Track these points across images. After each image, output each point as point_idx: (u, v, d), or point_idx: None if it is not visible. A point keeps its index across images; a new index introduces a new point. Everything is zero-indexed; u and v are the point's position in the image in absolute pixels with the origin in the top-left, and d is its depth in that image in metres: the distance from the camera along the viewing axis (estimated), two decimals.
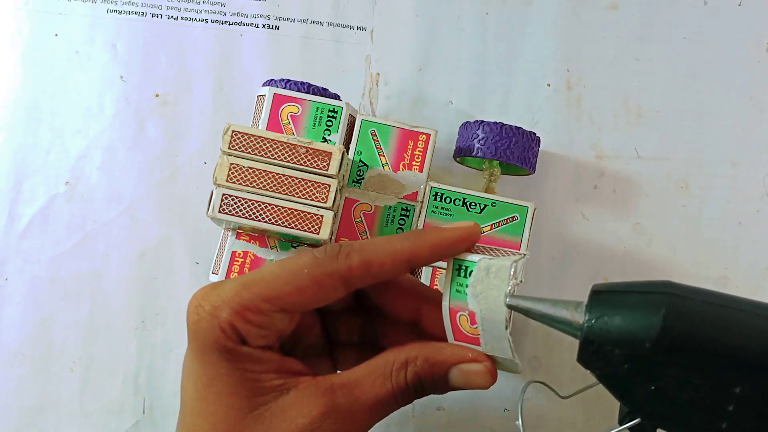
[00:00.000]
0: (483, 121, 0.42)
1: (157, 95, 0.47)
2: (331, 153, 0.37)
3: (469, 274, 0.30)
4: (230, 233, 0.39)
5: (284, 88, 0.40)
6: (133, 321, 0.45)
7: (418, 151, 0.40)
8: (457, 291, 0.31)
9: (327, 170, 0.37)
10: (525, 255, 0.32)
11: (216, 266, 0.40)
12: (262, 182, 0.37)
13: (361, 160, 0.40)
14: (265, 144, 0.37)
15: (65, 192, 0.46)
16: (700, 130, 0.48)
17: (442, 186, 0.40)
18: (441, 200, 0.40)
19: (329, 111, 0.40)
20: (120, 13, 0.48)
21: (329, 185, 0.37)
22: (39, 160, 0.46)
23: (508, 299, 0.29)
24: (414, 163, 0.40)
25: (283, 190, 0.36)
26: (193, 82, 0.47)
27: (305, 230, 0.36)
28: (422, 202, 0.40)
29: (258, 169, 0.37)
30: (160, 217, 0.46)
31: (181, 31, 0.48)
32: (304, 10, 0.49)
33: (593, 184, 0.47)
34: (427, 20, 0.49)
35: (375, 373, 0.30)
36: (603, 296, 0.28)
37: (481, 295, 0.30)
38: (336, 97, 0.41)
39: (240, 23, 0.48)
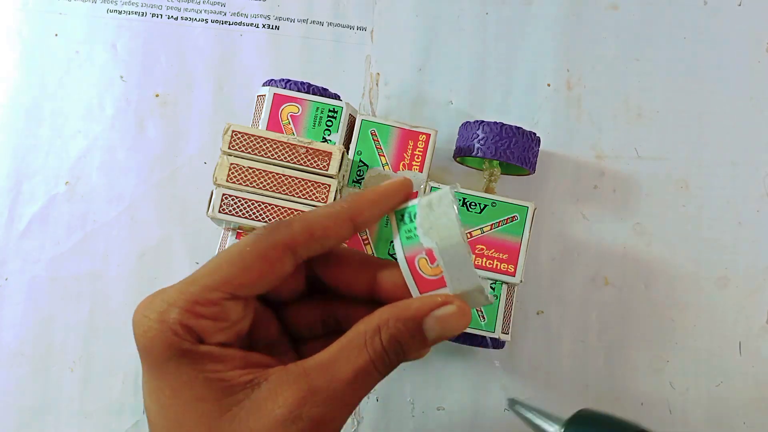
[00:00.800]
0: (483, 121, 0.42)
1: (157, 95, 0.47)
2: (331, 153, 0.37)
3: (414, 218, 0.30)
4: (230, 233, 0.39)
5: (284, 88, 0.40)
6: None
7: (418, 151, 0.40)
8: (408, 237, 0.29)
9: (327, 170, 0.37)
10: (456, 184, 0.32)
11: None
12: (262, 182, 0.36)
13: (361, 160, 0.40)
14: (265, 144, 0.37)
15: (65, 192, 0.46)
16: (700, 130, 0.48)
17: (442, 186, 0.39)
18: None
19: (329, 111, 0.40)
20: (120, 13, 0.48)
21: (329, 185, 0.37)
22: (39, 160, 0.46)
23: (514, 405, 0.31)
24: (414, 163, 0.40)
25: (283, 190, 0.36)
26: (193, 82, 0.47)
27: None
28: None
29: (258, 169, 0.36)
30: (160, 217, 0.46)
31: (181, 31, 0.48)
32: (304, 10, 0.49)
33: (593, 184, 0.47)
34: (427, 20, 0.49)
35: (349, 347, 0.28)
36: (578, 425, 0.32)
37: (433, 227, 0.29)
38: (336, 97, 0.41)
39: (240, 23, 0.48)
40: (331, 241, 0.29)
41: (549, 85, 0.48)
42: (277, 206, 0.36)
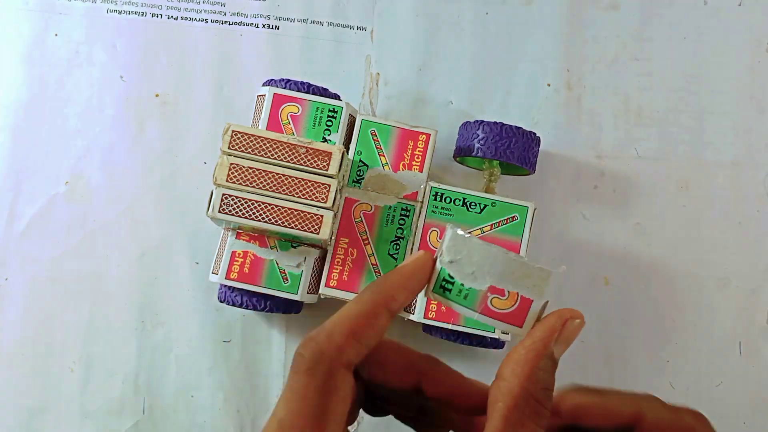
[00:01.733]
0: (483, 121, 0.42)
1: (157, 95, 0.47)
2: (330, 153, 0.37)
3: (452, 277, 0.29)
4: (230, 233, 0.39)
5: (284, 88, 0.40)
6: (133, 321, 0.45)
7: (418, 151, 0.40)
8: (465, 297, 0.28)
9: (327, 170, 0.36)
10: (451, 224, 0.31)
11: (216, 266, 0.40)
12: (262, 182, 0.36)
13: (361, 160, 0.40)
14: (265, 144, 0.36)
15: (65, 192, 0.46)
16: (700, 130, 0.48)
17: (442, 186, 0.40)
18: (441, 200, 0.39)
19: (329, 111, 0.40)
20: (120, 13, 0.48)
21: (329, 185, 0.36)
22: (39, 159, 0.46)
23: None
24: (414, 163, 0.40)
25: (283, 190, 0.36)
26: (193, 82, 0.47)
27: (305, 230, 0.36)
28: (422, 202, 0.39)
29: (258, 169, 0.36)
30: (160, 217, 0.46)
31: (181, 31, 0.48)
32: (304, 10, 0.48)
33: (593, 184, 0.47)
34: (427, 20, 0.49)
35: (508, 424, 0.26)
36: None
37: (475, 269, 0.28)
38: (336, 97, 0.41)
39: (240, 23, 0.48)
40: (376, 338, 0.27)
41: (549, 85, 0.48)
42: (277, 206, 0.36)
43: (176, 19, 0.48)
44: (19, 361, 0.44)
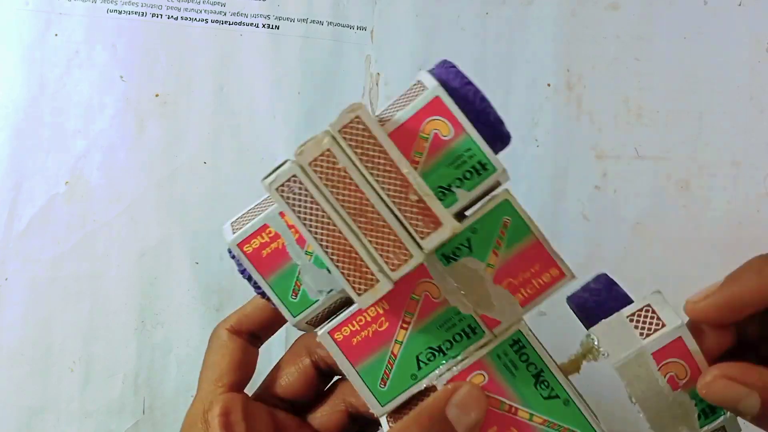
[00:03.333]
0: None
1: (157, 95, 0.47)
2: (440, 226, 0.27)
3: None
4: (275, 204, 0.31)
5: (453, 95, 0.29)
6: (133, 321, 0.45)
7: (538, 282, 0.30)
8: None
9: (421, 240, 0.27)
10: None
11: (238, 222, 0.32)
12: (343, 195, 0.27)
13: (468, 241, 0.30)
14: (378, 156, 0.27)
15: (65, 192, 0.46)
16: (700, 130, 0.48)
17: (530, 338, 0.30)
18: (516, 352, 0.30)
19: (478, 164, 0.29)
20: (120, 13, 0.48)
21: (410, 259, 0.27)
22: (39, 160, 0.46)
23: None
24: (523, 290, 0.30)
25: (359, 222, 0.28)
26: (193, 82, 0.47)
27: (349, 280, 0.27)
28: (496, 338, 0.30)
29: (349, 178, 0.27)
30: (160, 217, 0.46)
31: (181, 31, 0.48)
32: (304, 10, 0.48)
33: (594, 184, 0.47)
34: (427, 20, 0.49)
35: None
36: None
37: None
38: (505, 138, 0.30)
39: (240, 23, 0.48)
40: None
41: (549, 85, 0.48)
42: (338, 232, 0.27)
43: (176, 19, 0.48)
44: (19, 361, 0.44)
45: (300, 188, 0.28)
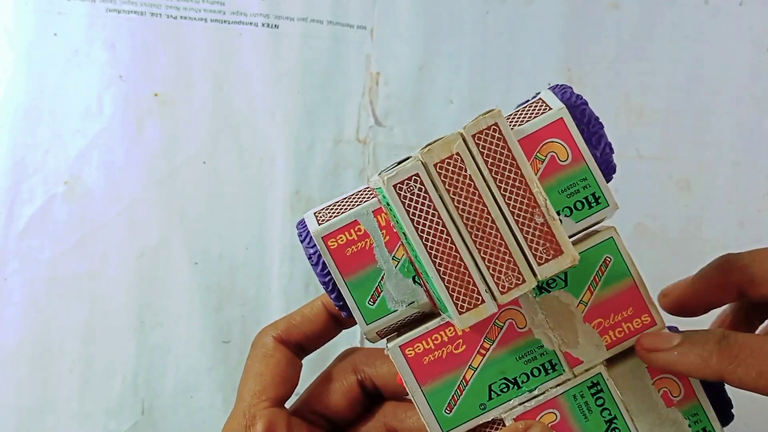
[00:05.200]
0: None
1: (156, 94, 0.47)
2: (561, 254, 0.25)
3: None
4: (369, 197, 0.29)
5: (576, 120, 0.28)
6: (133, 321, 0.45)
7: (629, 326, 0.29)
8: None
9: (537, 266, 0.25)
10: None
11: (324, 214, 0.30)
12: (463, 204, 0.25)
13: (566, 273, 0.28)
14: (510, 171, 0.25)
15: (64, 192, 0.46)
16: (701, 129, 0.48)
17: (612, 385, 0.28)
18: (593, 395, 0.28)
19: (592, 195, 0.28)
20: (119, 12, 0.48)
21: (522, 283, 0.25)
22: (38, 159, 0.46)
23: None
24: (611, 333, 0.28)
25: (476, 236, 0.25)
26: (192, 81, 0.47)
27: (453, 295, 0.25)
28: (575, 377, 0.28)
29: (475, 187, 0.25)
30: (159, 217, 0.46)
31: (181, 30, 0.48)
32: (304, 9, 0.48)
33: None
34: (427, 19, 0.48)
35: None
36: None
37: None
38: (613, 169, 0.29)
39: (239, 22, 0.48)
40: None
41: (550, 84, 0.48)
42: (451, 242, 0.25)
43: (175, 18, 0.48)
44: (19, 362, 0.44)
45: (420, 189, 0.25)
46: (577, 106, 0.28)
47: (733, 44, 0.49)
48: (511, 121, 0.28)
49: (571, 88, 0.29)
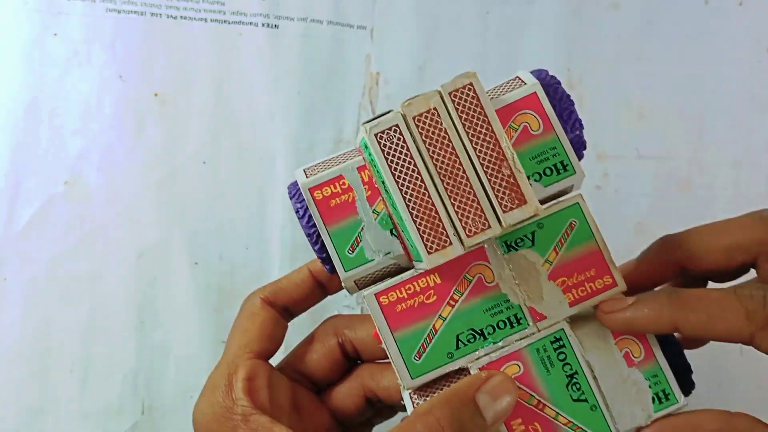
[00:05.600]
0: None
1: (156, 95, 0.47)
2: (525, 203, 0.27)
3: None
4: (355, 156, 0.32)
5: (549, 96, 0.30)
6: (132, 321, 0.45)
7: (591, 286, 0.30)
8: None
9: (502, 213, 0.27)
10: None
11: (313, 169, 0.32)
12: (438, 154, 0.28)
13: (532, 234, 0.30)
14: (481, 126, 0.28)
15: (64, 192, 0.46)
16: (701, 130, 0.48)
17: (572, 339, 0.30)
18: (556, 350, 0.30)
19: (560, 163, 0.30)
20: (119, 12, 0.48)
21: (488, 228, 0.27)
22: (38, 159, 0.46)
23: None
24: (575, 291, 0.30)
25: (448, 184, 0.28)
26: (192, 81, 0.47)
27: (423, 236, 0.27)
28: (539, 332, 0.30)
29: (449, 139, 0.28)
30: (159, 217, 0.46)
31: (180, 30, 0.48)
32: (304, 9, 0.48)
33: (595, 184, 0.47)
34: (427, 19, 0.48)
35: None
36: None
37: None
38: (583, 145, 0.31)
39: (239, 22, 0.48)
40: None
41: None
42: (424, 188, 0.28)
43: (175, 18, 0.48)
44: (19, 362, 0.44)
45: (399, 138, 0.28)
46: (551, 84, 0.30)
47: (733, 44, 0.49)
48: (490, 93, 0.31)
49: (546, 71, 0.31)
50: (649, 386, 0.29)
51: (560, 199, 0.31)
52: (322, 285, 0.35)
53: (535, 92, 0.30)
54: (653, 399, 0.29)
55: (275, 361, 0.35)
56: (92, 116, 0.47)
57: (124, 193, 0.46)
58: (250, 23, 0.48)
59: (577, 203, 0.31)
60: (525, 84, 0.30)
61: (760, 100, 0.48)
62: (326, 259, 0.31)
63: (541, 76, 0.31)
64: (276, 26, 0.48)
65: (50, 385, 0.44)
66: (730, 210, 0.47)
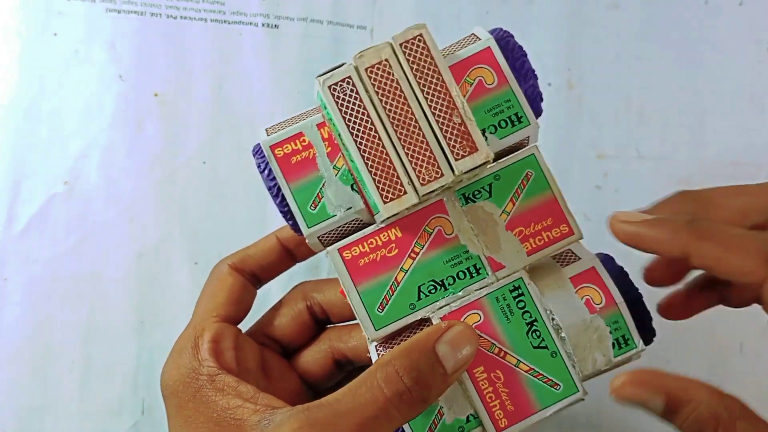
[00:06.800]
0: None
1: (156, 95, 0.47)
2: (476, 151, 0.28)
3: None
4: (315, 113, 0.32)
5: (503, 51, 0.31)
6: (132, 321, 0.45)
7: (548, 235, 0.31)
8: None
9: (455, 161, 0.28)
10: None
11: (274, 128, 0.33)
12: (391, 106, 0.28)
13: (489, 186, 0.31)
14: (432, 76, 0.28)
15: (64, 192, 0.46)
16: (701, 129, 0.48)
17: (531, 289, 0.30)
18: (515, 299, 0.30)
19: (515, 115, 0.31)
20: (119, 12, 0.48)
21: (441, 176, 0.28)
22: (38, 159, 0.46)
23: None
24: (532, 240, 0.31)
25: (401, 134, 0.28)
26: (192, 81, 0.47)
27: (378, 186, 0.28)
28: (498, 281, 0.30)
29: (401, 90, 0.28)
30: (159, 217, 0.46)
31: (180, 30, 0.48)
32: (304, 9, 0.48)
33: (595, 184, 0.47)
34: (427, 19, 0.48)
35: (356, 384, 0.27)
36: None
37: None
38: (539, 97, 0.32)
39: (239, 22, 0.48)
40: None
41: (550, 84, 0.48)
42: (379, 140, 0.28)
43: (175, 18, 0.48)
44: (19, 361, 0.44)
45: (352, 90, 0.28)
46: (504, 38, 0.31)
47: (732, 44, 0.49)
48: (446, 50, 0.31)
49: (501, 28, 0.32)
50: (610, 332, 0.30)
51: (520, 154, 0.31)
52: (291, 252, 0.36)
53: (489, 47, 0.31)
54: (613, 344, 0.30)
55: (246, 328, 0.36)
56: (92, 116, 0.47)
57: (124, 193, 0.46)
58: (250, 23, 0.48)
59: (533, 154, 0.31)
60: (480, 39, 0.31)
61: (760, 100, 0.48)
62: (288, 214, 0.31)
63: (495, 32, 0.32)
64: (276, 26, 0.48)
65: (50, 385, 0.44)
66: None
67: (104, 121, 0.47)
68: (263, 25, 0.48)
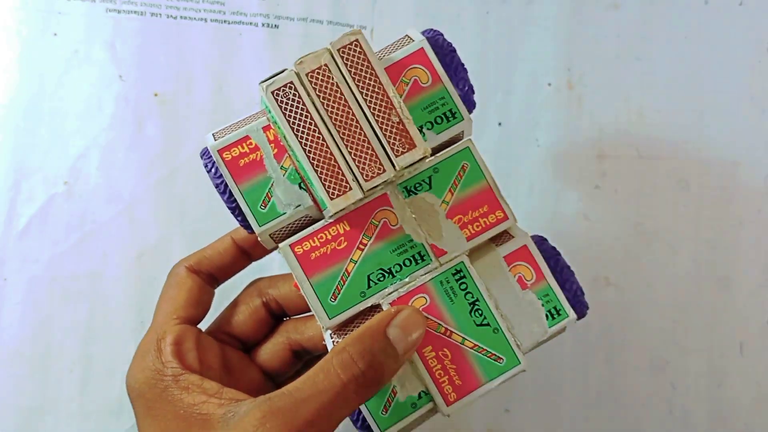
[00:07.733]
0: None
1: (156, 94, 0.47)
2: (414, 147, 0.30)
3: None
4: (260, 117, 0.34)
5: (436, 51, 0.33)
6: (132, 321, 0.45)
7: (485, 221, 0.33)
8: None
9: (395, 157, 0.30)
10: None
11: (221, 132, 0.34)
12: (332, 107, 0.30)
13: (430, 178, 0.33)
14: (369, 79, 0.30)
15: (64, 192, 0.46)
16: (701, 129, 0.48)
17: (473, 272, 0.32)
18: (457, 281, 0.32)
19: (449, 111, 0.33)
20: (119, 12, 0.48)
21: (383, 172, 0.30)
22: (38, 159, 0.46)
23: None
24: (470, 227, 0.33)
25: (342, 133, 0.30)
26: (192, 81, 0.47)
27: (325, 184, 0.30)
28: (441, 266, 0.33)
29: (341, 93, 0.30)
30: (159, 217, 0.46)
31: (180, 30, 0.48)
32: (304, 9, 0.48)
33: (595, 184, 0.47)
34: (427, 19, 0.48)
35: (314, 371, 0.29)
36: None
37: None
38: (470, 91, 0.34)
39: (239, 22, 0.48)
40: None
41: (550, 84, 0.48)
42: (322, 139, 0.30)
43: (175, 18, 0.48)
44: (19, 362, 0.44)
45: (294, 95, 0.30)
46: (433, 37, 0.33)
47: (732, 44, 0.49)
48: (381, 53, 0.33)
49: (432, 28, 0.34)
50: (542, 305, 0.32)
51: (454, 149, 0.33)
52: (246, 252, 0.37)
53: (422, 48, 0.33)
54: (546, 315, 0.32)
55: (205, 326, 0.37)
56: (92, 116, 0.47)
57: (124, 193, 0.46)
58: (250, 23, 0.48)
59: (468, 147, 0.33)
60: (413, 41, 0.33)
61: (759, 99, 0.48)
62: (236, 210, 0.33)
63: (427, 32, 0.33)
64: (276, 26, 0.48)
65: (50, 385, 0.44)
66: (729, 210, 0.47)
67: (104, 120, 0.47)
68: (263, 25, 0.48)
